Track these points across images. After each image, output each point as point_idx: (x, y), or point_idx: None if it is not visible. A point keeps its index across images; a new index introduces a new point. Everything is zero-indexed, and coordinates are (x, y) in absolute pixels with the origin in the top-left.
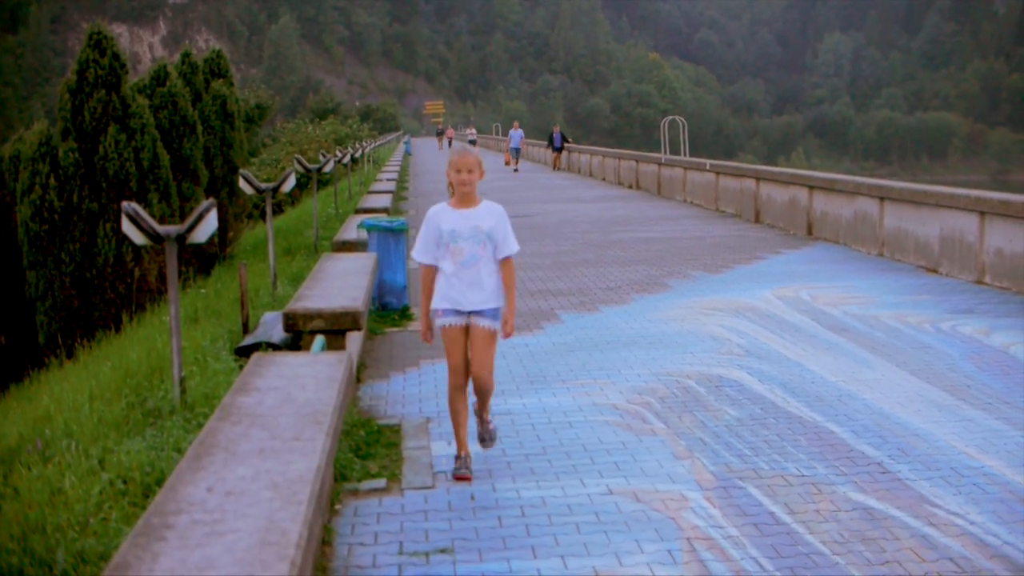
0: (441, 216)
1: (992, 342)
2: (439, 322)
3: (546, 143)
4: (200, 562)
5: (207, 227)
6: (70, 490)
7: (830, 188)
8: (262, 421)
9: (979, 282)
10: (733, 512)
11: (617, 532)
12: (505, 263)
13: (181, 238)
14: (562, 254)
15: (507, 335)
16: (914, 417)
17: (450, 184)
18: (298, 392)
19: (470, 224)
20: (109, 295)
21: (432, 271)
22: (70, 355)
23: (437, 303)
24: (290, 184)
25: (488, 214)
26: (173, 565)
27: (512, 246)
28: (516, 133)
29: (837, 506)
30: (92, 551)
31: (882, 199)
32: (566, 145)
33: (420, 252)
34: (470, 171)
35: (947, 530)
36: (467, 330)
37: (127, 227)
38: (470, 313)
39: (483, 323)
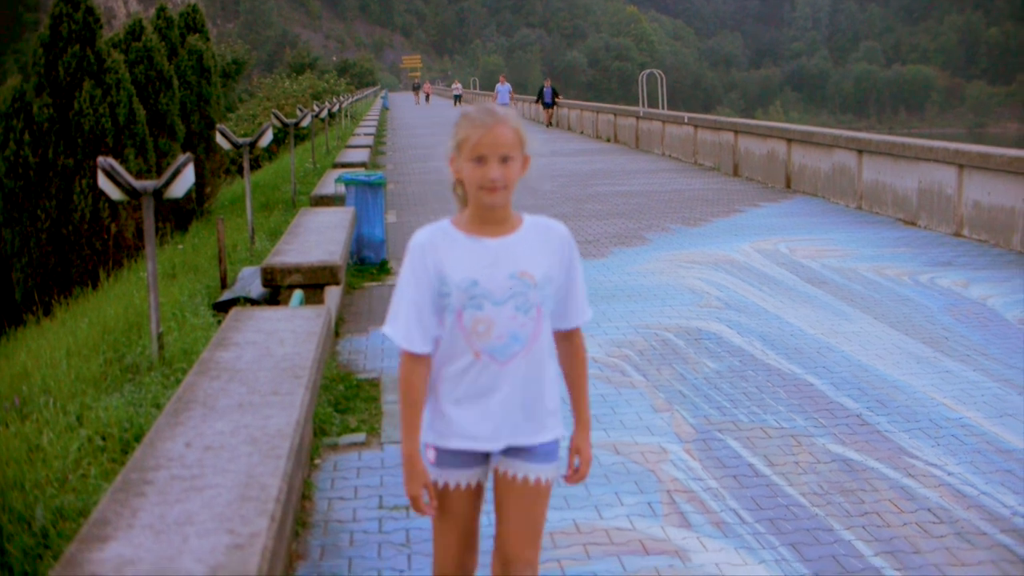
0: (443, 251)
1: (970, 294)
2: (433, 474)
3: (535, 98)
4: (179, 517)
5: (184, 182)
6: (48, 447)
7: (808, 141)
8: (241, 376)
9: (957, 235)
10: (713, 464)
11: (597, 485)
12: (572, 338)
13: (158, 193)
14: (540, 208)
15: (578, 479)
16: (892, 369)
17: (457, 184)
18: (276, 347)
19: (507, 267)
20: (86, 251)
21: (420, 368)
22: (47, 312)
23: (432, 433)
24: (267, 139)
25: (542, 242)
26: (152, 520)
27: (586, 307)
28: (503, 87)
29: (816, 458)
30: (71, 507)
31: (860, 152)
32: (557, 101)
33: (400, 326)
34: (504, 159)
35: (925, 481)
36: (480, 489)
37: (103, 182)
38: (504, 452)
39: (534, 470)
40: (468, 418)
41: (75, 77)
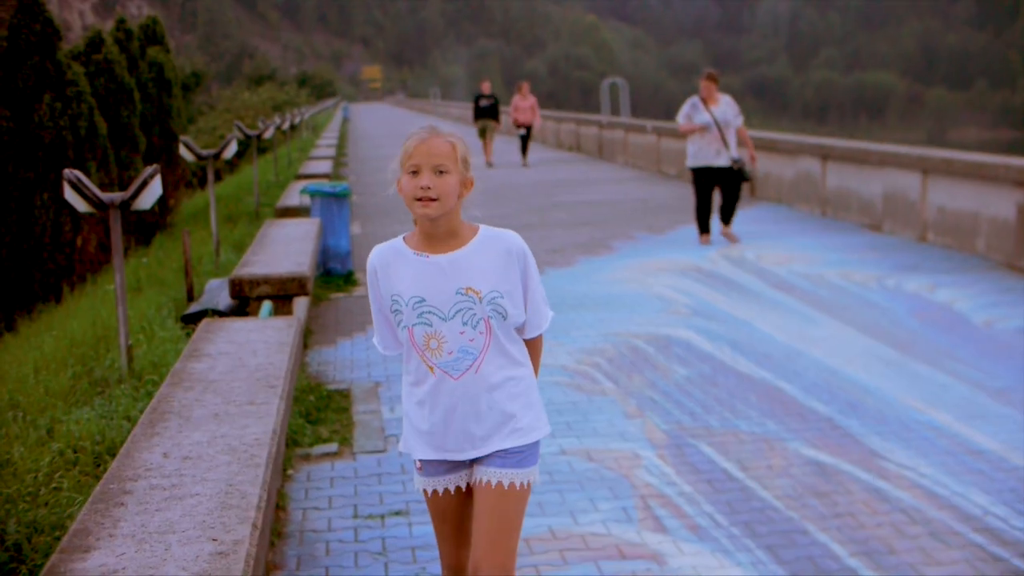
0: (392, 270)
1: (936, 298)
2: (416, 481)
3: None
4: (161, 526)
5: (152, 193)
6: (19, 461)
7: (772, 148)
8: (215, 386)
9: (922, 239)
10: (686, 469)
11: (571, 491)
12: (531, 343)
13: (125, 205)
14: (504, 217)
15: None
16: (862, 373)
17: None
18: (250, 357)
19: (452, 283)
20: (48, 266)
21: None
22: (10, 327)
23: (407, 445)
24: (231, 150)
25: (491, 256)
26: (134, 530)
27: (545, 314)
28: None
29: (789, 461)
30: (44, 521)
31: (824, 158)
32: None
33: (378, 337)
34: (441, 171)
35: (898, 482)
36: (469, 492)
37: (70, 195)
38: (472, 461)
39: (508, 475)
40: (433, 431)
41: (34, 89)
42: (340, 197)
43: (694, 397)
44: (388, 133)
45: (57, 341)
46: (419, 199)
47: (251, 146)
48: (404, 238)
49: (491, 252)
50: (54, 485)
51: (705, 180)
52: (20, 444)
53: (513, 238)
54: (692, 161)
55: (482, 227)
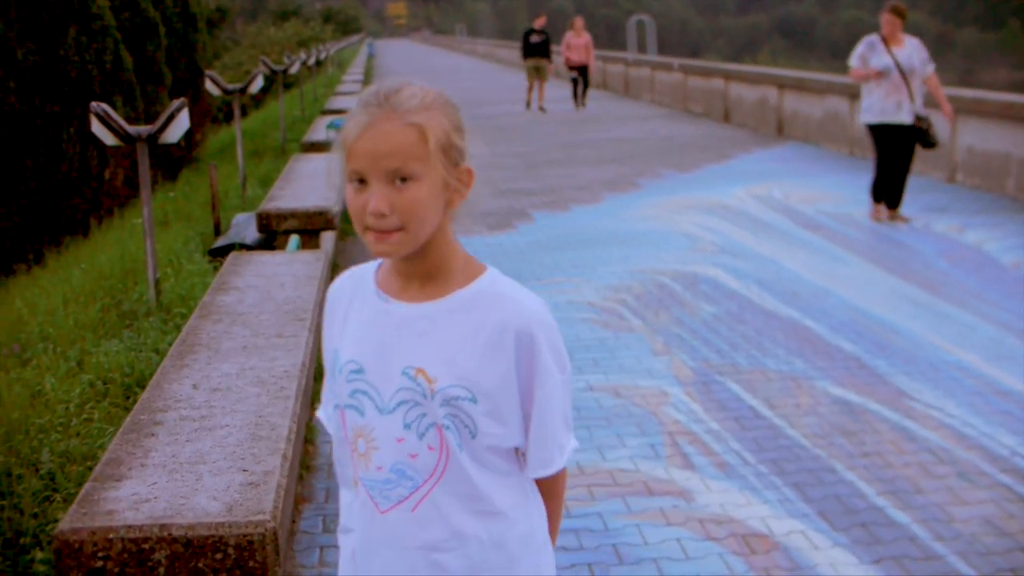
0: (340, 307)
1: (965, 239)
2: None
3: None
4: (192, 456)
5: (179, 126)
6: (51, 392)
7: (800, 87)
8: (243, 319)
9: (951, 180)
10: (714, 407)
11: (599, 427)
12: (552, 483)
13: (153, 138)
14: (531, 154)
15: None
16: (890, 313)
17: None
18: (277, 290)
19: (401, 352)
20: (76, 200)
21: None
22: (38, 261)
23: None
24: (257, 85)
25: (473, 326)
26: (165, 460)
27: (561, 444)
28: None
29: (817, 400)
30: (76, 451)
31: (853, 97)
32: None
33: (325, 405)
34: (403, 177)
35: (925, 423)
36: None
37: (97, 128)
38: None
39: None
40: None
41: (59, 23)
42: None
43: (721, 335)
44: (412, 70)
45: (86, 274)
46: (369, 228)
47: (276, 81)
48: (374, 267)
49: (475, 319)
50: (85, 416)
51: (887, 139)
52: (51, 375)
53: (525, 309)
54: (868, 116)
55: (490, 271)
